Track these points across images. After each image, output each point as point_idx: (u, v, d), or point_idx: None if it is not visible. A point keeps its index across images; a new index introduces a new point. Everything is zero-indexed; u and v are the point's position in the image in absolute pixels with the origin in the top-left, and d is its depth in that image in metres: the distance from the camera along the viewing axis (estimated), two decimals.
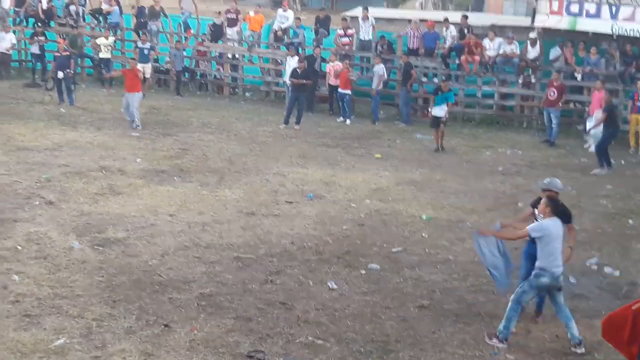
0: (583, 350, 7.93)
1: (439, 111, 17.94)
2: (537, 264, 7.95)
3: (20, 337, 7.51)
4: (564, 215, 8.48)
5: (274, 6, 36.24)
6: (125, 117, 18.55)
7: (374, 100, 21.58)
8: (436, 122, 18.06)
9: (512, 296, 8.03)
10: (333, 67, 22.00)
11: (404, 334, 8.20)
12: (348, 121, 21.21)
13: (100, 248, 10.19)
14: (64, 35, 25.00)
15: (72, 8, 26.28)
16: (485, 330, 8.07)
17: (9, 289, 8.65)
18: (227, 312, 8.44)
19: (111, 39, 24.34)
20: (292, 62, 21.55)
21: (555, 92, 19.07)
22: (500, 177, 15.49)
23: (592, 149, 17.61)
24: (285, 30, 24.64)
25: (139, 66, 23.77)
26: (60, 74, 20.67)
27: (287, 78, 21.63)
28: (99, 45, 24.19)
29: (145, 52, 23.85)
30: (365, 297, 9.15)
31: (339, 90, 21.61)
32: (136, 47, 24.16)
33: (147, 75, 23.91)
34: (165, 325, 7.98)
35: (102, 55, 24.06)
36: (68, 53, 21.68)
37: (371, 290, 9.38)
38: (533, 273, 7.98)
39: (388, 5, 46.55)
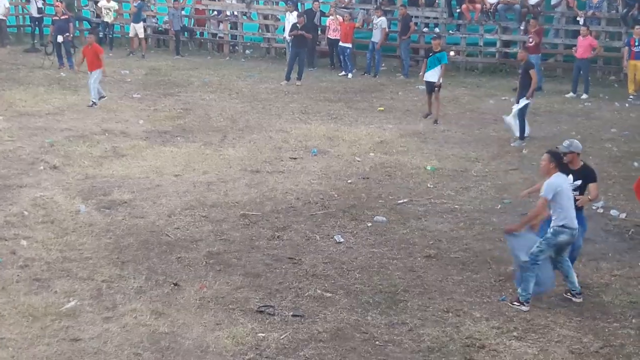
0: (581, 299, 7.88)
1: (432, 75, 15.71)
2: (555, 222, 7.65)
3: (31, 301, 7.57)
4: (591, 173, 8.26)
5: None
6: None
7: (377, 54, 21.40)
8: (430, 86, 15.84)
9: (527, 257, 7.68)
10: (333, 20, 21.82)
11: (411, 283, 8.24)
12: (350, 75, 21.10)
13: (107, 210, 10.23)
14: None
15: None
16: (507, 298, 7.91)
17: (18, 254, 8.71)
18: (235, 269, 8.49)
19: (113, 2, 24.10)
20: (291, 18, 21.36)
21: (534, 37, 18.80)
22: (504, 125, 15.40)
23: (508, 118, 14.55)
24: None
25: (132, 26, 23.71)
26: (60, 38, 20.55)
27: (286, 34, 21.47)
28: (101, 9, 23.99)
29: (136, 11, 23.69)
30: (372, 249, 9.19)
31: (340, 44, 21.45)
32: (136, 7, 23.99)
33: (140, 35, 23.79)
34: (175, 284, 8.04)
35: (105, 19, 23.88)
36: (66, 16, 21.53)
37: (378, 242, 9.41)
38: (551, 231, 7.66)
39: None
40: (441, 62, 15.75)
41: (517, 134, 14.12)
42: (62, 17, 21.15)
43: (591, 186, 8.20)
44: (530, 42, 18.66)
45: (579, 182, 8.12)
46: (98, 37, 21.93)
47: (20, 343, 6.80)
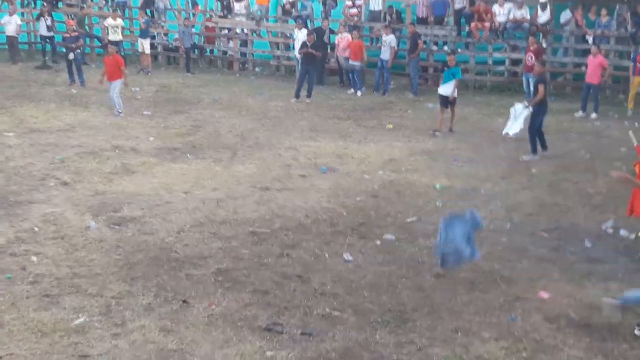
0: None
1: (446, 89, 16.43)
2: None
3: (40, 317, 7.59)
4: None
5: None
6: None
7: (386, 72, 21.46)
8: (444, 101, 16.51)
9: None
10: (342, 38, 21.92)
11: (420, 302, 8.22)
12: (359, 93, 21.16)
13: (117, 227, 10.26)
14: (72, 16, 25.01)
15: None
16: (517, 318, 7.92)
17: (28, 269, 8.74)
18: (244, 287, 8.49)
19: (119, 20, 24.28)
20: (300, 36, 21.47)
21: (533, 56, 18.82)
22: (513, 144, 15.40)
23: (512, 132, 15.00)
24: (293, 3, 24.55)
25: (139, 41, 23.88)
26: (71, 55, 20.70)
27: (296, 52, 21.58)
28: (107, 27, 24.16)
29: (143, 27, 23.87)
30: (381, 267, 9.18)
31: (349, 61, 21.53)
32: (142, 23, 24.17)
33: (147, 51, 23.96)
34: (184, 301, 8.05)
35: (111, 37, 24.02)
36: (77, 33, 21.71)
37: (387, 260, 9.41)
38: None
39: None
40: (455, 77, 16.48)
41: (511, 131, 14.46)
42: (73, 34, 21.33)
43: None
44: (530, 61, 18.70)
45: None
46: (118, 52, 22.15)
47: (29, 359, 6.81)
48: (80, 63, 21.03)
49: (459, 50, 22.36)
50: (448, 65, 16.74)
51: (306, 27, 22.56)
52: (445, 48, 22.53)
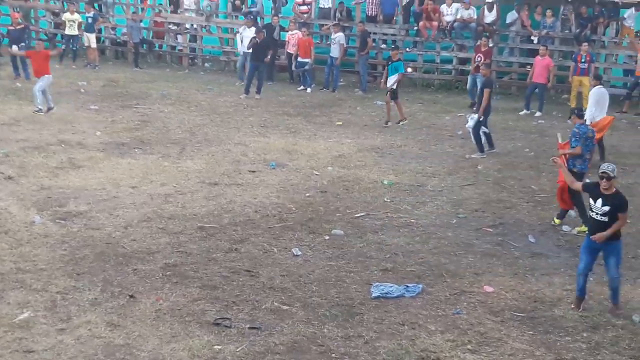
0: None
1: (391, 82, 17.13)
2: None
3: None
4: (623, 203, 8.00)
5: None
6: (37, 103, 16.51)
7: (336, 69, 21.53)
8: (392, 93, 17.23)
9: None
10: (292, 35, 21.93)
11: (368, 296, 8.31)
12: (309, 89, 21.19)
13: (62, 222, 10.13)
14: (17, 9, 24.51)
15: None
16: (462, 311, 8.01)
17: None
18: (192, 282, 8.47)
19: (76, 15, 23.87)
20: (248, 33, 21.39)
21: (482, 57, 19.08)
22: (460, 140, 15.63)
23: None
24: (243, 0, 24.43)
25: (85, 36, 23.54)
26: (15, 48, 20.30)
27: (241, 47, 21.54)
28: (65, 22, 23.74)
29: (90, 21, 23.56)
30: (330, 262, 9.25)
31: (299, 59, 21.56)
32: (87, 18, 23.83)
33: (93, 45, 23.65)
34: (131, 296, 7.99)
35: (67, 31, 23.63)
36: (22, 26, 21.30)
37: (335, 255, 9.48)
38: None
39: None
40: (398, 71, 17.15)
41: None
42: (18, 27, 20.93)
43: (620, 216, 7.96)
44: (478, 61, 18.89)
45: (607, 208, 7.94)
46: (56, 49, 21.74)
47: None
48: (24, 57, 20.62)
49: (407, 49, 22.56)
50: (392, 59, 17.41)
51: (256, 23, 22.50)
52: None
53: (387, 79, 17.36)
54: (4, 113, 16.35)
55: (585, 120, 11.47)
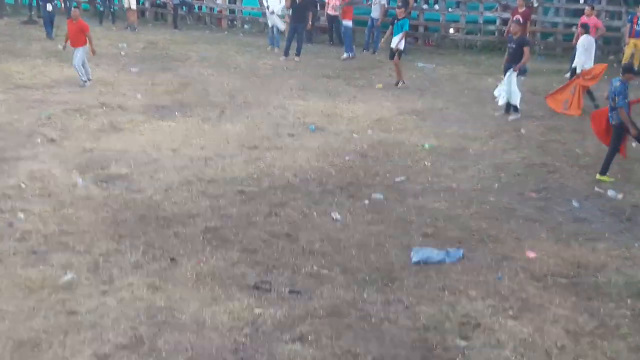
0: None
1: (396, 41, 16.87)
2: None
3: (28, 274, 7.57)
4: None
5: None
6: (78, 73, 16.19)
7: (377, 30, 21.25)
8: (392, 53, 17.09)
9: None
10: None
11: (408, 261, 8.25)
12: (351, 54, 20.68)
13: (104, 184, 10.21)
14: None
15: None
16: (503, 277, 7.95)
17: (15, 226, 8.70)
18: (232, 245, 8.49)
19: None
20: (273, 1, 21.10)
21: (521, 19, 18.60)
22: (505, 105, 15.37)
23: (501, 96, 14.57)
24: None
25: None
26: (49, 7, 20.45)
27: (274, 9, 21.17)
28: None
29: None
30: (369, 226, 9.19)
31: (344, 22, 20.91)
32: None
33: (133, 7, 23.66)
34: (172, 259, 8.04)
35: None
36: None
37: (375, 219, 9.41)
38: None
39: None
40: (403, 29, 16.81)
41: (502, 102, 14.35)
42: None
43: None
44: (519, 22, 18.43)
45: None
46: (97, 10, 21.84)
47: (17, 315, 6.81)
48: (53, 16, 20.76)
49: (450, 9, 22.21)
50: (397, 17, 17.01)
51: None
52: (436, 7, 22.38)
53: (389, 39, 17.07)
54: (46, 75, 16.51)
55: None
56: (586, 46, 15.31)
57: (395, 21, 16.99)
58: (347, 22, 20.86)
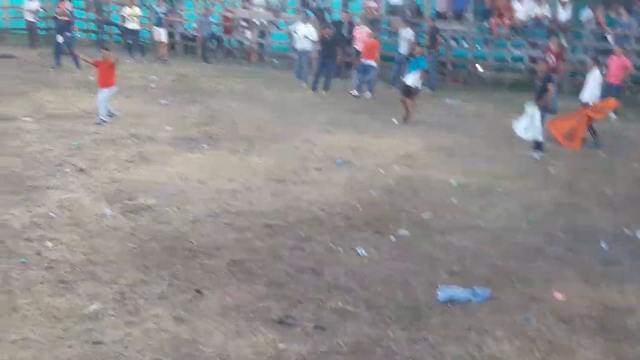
0: None
1: (410, 78, 16.99)
2: None
3: (54, 303, 7.60)
4: None
5: None
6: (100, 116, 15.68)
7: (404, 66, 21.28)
8: (406, 90, 17.07)
9: None
10: (361, 31, 21.79)
11: (434, 299, 8.18)
12: (368, 95, 20.20)
13: (132, 215, 10.27)
14: (88, 3, 25.19)
15: None
16: (531, 319, 7.87)
17: (43, 255, 8.76)
18: (258, 278, 8.48)
19: (136, 8, 24.26)
20: (302, 29, 21.27)
21: (554, 58, 18.59)
22: (531, 142, 15.30)
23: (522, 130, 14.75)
24: None
25: (156, 30, 23.88)
26: (60, 38, 20.83)
27: (297, 45, 21.34)
28: (124, 17, 24.17)
29: (161, 16, 23.91)
30: (395, 263, 9.14)
31: (363, 60, 20.43)
32: (154, 12, 24.24)
33: (163, 40, 23.99)
34: (197, 291, 8.04)
35: (128, 25, 24.03)
36: (68, 18, 21.80)
37: (401, 256, 9.37)
38: None
39: None
40: (419, 66, 17.01)
41: (527, 137, 14.42)
42: (62, 18, 21.51)
43: None
44: (552, 64, 18.41)
45: None
46: (127, 43, 22.19)
47: (42, 344, 6.82)
48: (70, 47, 21.12)
49: (478, 46, 22.29)
50: (413, 55, 17.27)
51: (324, 20, 22.50)
52: (464, 44, 22.46)
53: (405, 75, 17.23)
54: (76, 105, 16.73)
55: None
56: (598, 79, 15.54)
57: (412, 58, 17.15)
58: (369, 62, 20.21)
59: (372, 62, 20.25)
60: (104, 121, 15.41)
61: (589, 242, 10.12)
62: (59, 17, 21.62)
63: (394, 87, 21.18)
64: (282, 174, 12.47)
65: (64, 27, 21.39)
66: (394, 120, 16.93)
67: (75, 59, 20.68)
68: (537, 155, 14.25)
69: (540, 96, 14.28)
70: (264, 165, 12.98)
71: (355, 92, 20.01)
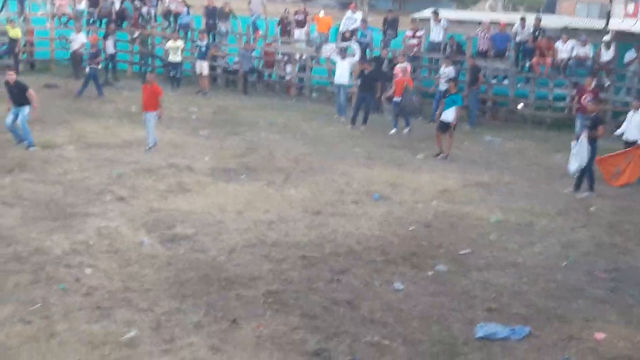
0: None
1: (446, 115, 17.05)
2: None
3: (91, 329, 7.66)
4: None
5: (342, 8, 36.26)
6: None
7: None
8: (443, 126, 17.10)
9: None
10: (401, 68, 21.79)
11: (471, 336, 8.07)
12: (406, 130, 19.88)
13: (169, 244, 10.33)
14: (134, 35, 25.74)
15: (144, 9, 26.80)
16: (570, 359, 7.75)
17: (82, 281, 8.85)
18: (293, 310, 8.45)
19: (179, 42, 24.62)
20: (342, 64, 21.38)
21: (591, 97, 18.34)
22: (571, 180, 15.10)
23: (572, 169, 14.54)
24: (353, 32, 24.60)
25: (198, 63, 24.25)
26: (87, 68, 21.59)
27: (337, 79, 21.39)
28: (167, 50, 24.54)
29: (203, 49, 24.26)
30: (432, 298, 9.05)
31: (394, 98, 20.13)
32: (197, 46, 24.61)
33: (205, 73, 24.29)
34: (233, 321, 8.04)
35: (171, 58, 24.38)
36: (95, 50, 22.67)
37: (438, 291, 9.27)
38: None
39: (457, 7, 46.13)
40: (456, 104, 17.08)
41: (573, 169, 14.39)
42: (92, 50, 22.67)
43: None
44: (586, 102, 18.19)
45: None
46: (169, 76, 22.60)
47: None
48: (94, 77, 21.94)
49: (519, 85, 22.19)
50: (450, 91, 17.42)
51: (365, 55, 22.60)
52: (505, 82, 22.38)
53: (442, 112, 17.27)
54: (117, 136, 16.95)
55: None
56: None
57: (448, 95, 17.34)
58: (397, 99, 19.93)
59: (399, 99, 20.06)
60: (152, 147, 15.85)
61: (630, 284, 9.92)
62: (90, 50, 22.56)
63: (433, 123, 21.10)
64: (318, 206, 12.46)
65: (93, 57, 22.22)
66: (419, 156, 16.84)
67: (99, 88, 21.72)
68: (586, 195, 14.07)
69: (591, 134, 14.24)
70: (300, 197, 12.99)
71: (392, 131, 19.96)
